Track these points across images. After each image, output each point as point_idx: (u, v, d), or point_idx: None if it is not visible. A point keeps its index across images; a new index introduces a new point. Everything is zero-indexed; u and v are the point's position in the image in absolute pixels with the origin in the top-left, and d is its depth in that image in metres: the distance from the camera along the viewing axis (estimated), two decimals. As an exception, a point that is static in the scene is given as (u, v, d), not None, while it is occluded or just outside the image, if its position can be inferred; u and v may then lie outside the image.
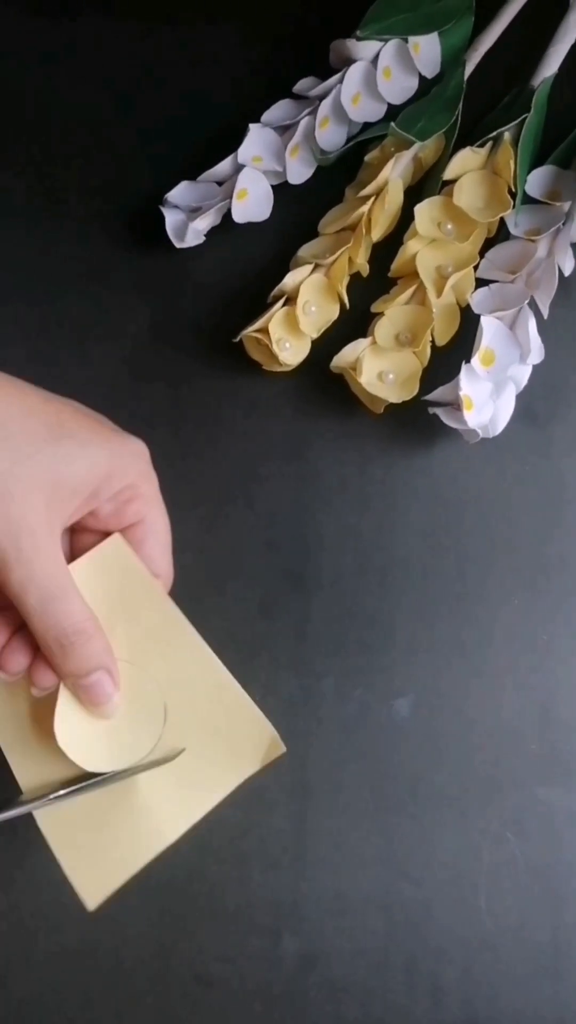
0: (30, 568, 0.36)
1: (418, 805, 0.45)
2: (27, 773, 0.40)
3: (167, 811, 0.39)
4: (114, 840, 0.40)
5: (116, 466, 0.38)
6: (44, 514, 0.36)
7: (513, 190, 0.49)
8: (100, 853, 0.40)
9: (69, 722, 0.39)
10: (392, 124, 0.47)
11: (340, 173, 0.51)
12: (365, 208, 0.48)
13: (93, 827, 0.40)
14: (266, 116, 0.50)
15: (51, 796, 0.39)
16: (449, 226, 0.48)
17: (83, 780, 0.39)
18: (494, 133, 0.49)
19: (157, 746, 0.40)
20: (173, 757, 0.40)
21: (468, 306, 0.48)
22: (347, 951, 0.44)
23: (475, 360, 0.45)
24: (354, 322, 0.48)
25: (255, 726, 0.40)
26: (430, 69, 0.51)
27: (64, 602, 0.37)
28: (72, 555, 0.40)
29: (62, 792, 0.40)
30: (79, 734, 0.39)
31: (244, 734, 0.40)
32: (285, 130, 0.50)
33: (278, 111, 0.50)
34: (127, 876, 0.39)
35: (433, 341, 0.47)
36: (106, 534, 0.40)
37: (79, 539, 0.41)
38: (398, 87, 0.51)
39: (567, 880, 0.45)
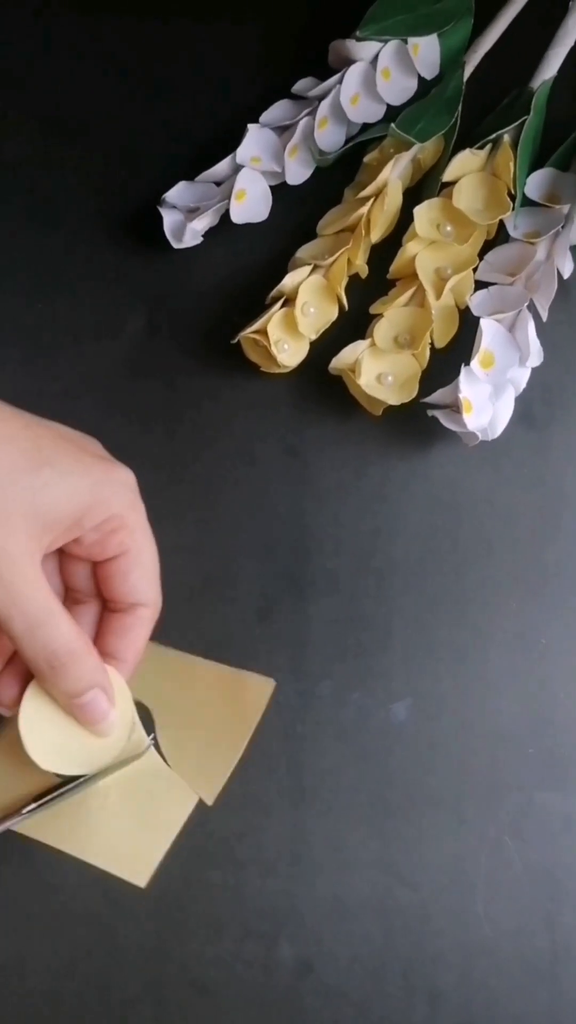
0: (12, 595, 0.35)
1: (415, 809, 0.45)
2: None
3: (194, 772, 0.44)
4: (143, 818, 0.43)
5: (98, 496, 0.37)
6: (24, 543, 0.35)
7: (512, 192, 0.49)
8: (132, 835, 0.43)
9: (36, 731, 0.39)
10: (391, 125, 0.47)
11: (339, 174, 0.50)
12: (364, 209, 0.48)
13: (114, 815, 0.42)
14: (265, 116, 0.50)
15: (25, 810, 0.40)
16: (448, 228, 0.48)
17: (52, 791, 0.41)
18: (493, 135, 0.49)
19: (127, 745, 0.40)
20: (141, 754, 0.41)
21: (467, 308, 0.48)
22: (344, 957, 0.44)
23: (474, 362, 0.45)
24: (353, 324, 0.48)
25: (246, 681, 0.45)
26: (429, 70, 0.51)
27: (51, 626, 0.36)
28: (58, 580, 0.40)
29: (34, 805, 0.40)
30: (47, 741, 0.39)
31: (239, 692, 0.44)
32: (284, 131, 0.50)
33: (277, 111, 0.50)
34: (167, 845, 0.43)
35: (432, 343, 0.47)
36: (91, 562, 0.39)
37: (65, 565, 0.40)
38: (397, 88, 0.51)
39: (565, 885, 0.44)
